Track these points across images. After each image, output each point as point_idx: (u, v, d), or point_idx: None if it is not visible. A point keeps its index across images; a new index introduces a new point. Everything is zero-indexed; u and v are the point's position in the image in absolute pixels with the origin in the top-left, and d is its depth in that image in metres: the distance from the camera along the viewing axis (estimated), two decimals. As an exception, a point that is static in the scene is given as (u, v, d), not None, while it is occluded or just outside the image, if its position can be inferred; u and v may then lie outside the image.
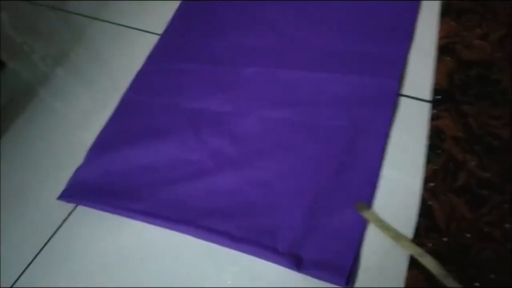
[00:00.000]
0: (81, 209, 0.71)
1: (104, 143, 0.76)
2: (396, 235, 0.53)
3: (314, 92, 0.74)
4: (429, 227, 0.54)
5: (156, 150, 0.73)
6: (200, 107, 0.78)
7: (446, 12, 0.77)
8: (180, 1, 0.97)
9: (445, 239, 0.53)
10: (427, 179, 0.58)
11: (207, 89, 0.81)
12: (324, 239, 0.58)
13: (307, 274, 0.56)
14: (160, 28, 0.94)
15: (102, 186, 0.70)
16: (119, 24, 0.99)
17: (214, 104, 0.78)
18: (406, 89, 0.72)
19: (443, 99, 0.66)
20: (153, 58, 0.89)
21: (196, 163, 0.70)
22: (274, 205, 0.62)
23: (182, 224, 0.63)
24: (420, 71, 0.73)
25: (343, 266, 0.54)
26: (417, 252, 0.51)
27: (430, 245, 0.53)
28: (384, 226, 0.54)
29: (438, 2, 0.80)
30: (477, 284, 0.49)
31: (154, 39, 0.92)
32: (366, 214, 0.55)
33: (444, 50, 0.72)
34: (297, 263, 0.56)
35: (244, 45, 0.85)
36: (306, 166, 0.65)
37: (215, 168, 0.69)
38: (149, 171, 0.71)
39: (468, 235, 0.53)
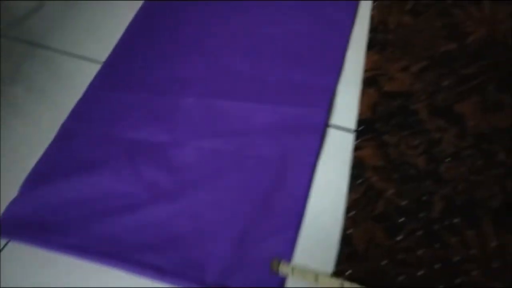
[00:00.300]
0: (14, 244, 0.68)
1: (39, 176, 0.74)
2: (314, 276, 0.54)
3: (247, 122, 0.76)
4: (349, 255, 0.56)
5: (91, 182, 0.72)
6: (138, 138, 0.78)
7: (371, 45, 0.81)
8: (124, 29, 0.98)
9: (363, 266, 0.55)
10: (348, 208, 0.61)
11: (145, 119, 0.81)
12: (251, 268, 0.59)
13: (234, 305, 0.56)
14: (104, 56, 0.94)
15: (34, 220, 0.68)
16: (62, 52, 0.97)
17: (152, 135, 0.78)
18: (334, 119, 0.75)
19: (366, 129, 0.69)
20: (94, 86, 0.88)
21: (131, 196, 0.70)
22: (204, 237, 0.63)
23: (112, 259, 0.62)
24: (347, 102, 0.76)
25: (269, 294, 0.55)
26: (338, 284, 0.52)
27: (350, 271, 0.55)
28: (301, 272, 0.56)
29: (365, 35, 0.85)
30: (391, 310, 0.51)
31: (98, 67, 0.92)
32: (281, 270, 0.57)
33: (369, 82, 0.76)
34: (224, 295, 0.56)
35: (183, 75, 0.87)
36: (235, 197, 0.67)
37: (149, 200, 0.69)
38: (82, 205, 0.70)
39: (385, 262, 0.55)
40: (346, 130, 0.73)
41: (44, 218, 0.69)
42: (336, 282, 0.53)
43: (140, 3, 1.00)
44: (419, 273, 0.54)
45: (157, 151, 0.75)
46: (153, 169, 0.73)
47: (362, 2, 0.90)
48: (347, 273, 0.55)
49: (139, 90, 0.85)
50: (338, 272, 0.55)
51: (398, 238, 0.57)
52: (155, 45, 0.94)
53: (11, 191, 0.74)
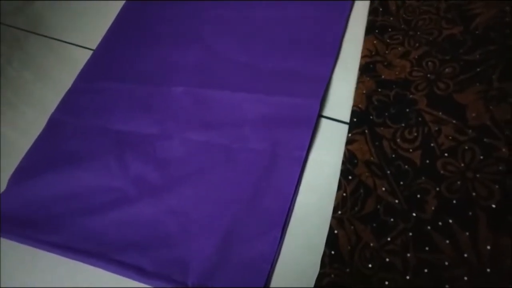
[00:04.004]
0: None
1: (25, 170, 0.73)
2: None
3: (237, 113, 0.72)
4: (333, 257, 0.52)
5: (77, 177, 0.70)
6: (126, 130, 0.75)
7: (370, 30, 0.75)
8: (115, 15, 0.94)
9: (347, 269, 0.51)
10: (336, 207, 0.57)
11: (134, 110, 0.78)
12: (235, 268, 0.56)
13: (215, 308, 0.53)
14: (95, 43, 0.91)
15: (19, 216, 0.67)
16: (53, 38, 0.95)
17: (140, 126, 0.75)
18: (328, 110, 0.70)
19: (359, 121, 0.64)
20: (83, 76, 0.85)
21: (117, 191, 0.67)
22: (188, 236, 0.61)
23: (94, 258, 0.61)
24: (343, 91, 0.71)
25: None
26: None
27: (333, 276, 0.51)
28: None
29: (365, 19, 0.78)
30: (374, 317, 0.48)
31: (89, 54, 0.89)
32: None
33: (365, 69, 0.70)
34: (207, 298, 0.54)
35: (174, 62, 0.82)
36: (223, 192, 0.63)
37: (135, 196, 0.66)
38: (67, 201, 0.68)
39: (370, 265, 0.51)
40: (341, 121, 0.68)
41: (28, 215, 0.68)
42: None
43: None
44: (406, 278, 0.50)
45: (144, 143, 0.73)
46: (140, 162, 0.70)
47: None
48: (330, 277, 0.51)
49: (128, 79, 0.82)
50: (320, 276, 0.52)
51: (387, 239, 0.53)
52: (146, 32, 0.90)
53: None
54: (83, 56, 0.87)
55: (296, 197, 0.61)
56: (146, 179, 0.67)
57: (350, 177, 0.58)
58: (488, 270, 0.48)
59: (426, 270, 0.49)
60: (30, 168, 0.72)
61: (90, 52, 0.87)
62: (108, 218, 0.64)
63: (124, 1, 0.93)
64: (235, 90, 0.74)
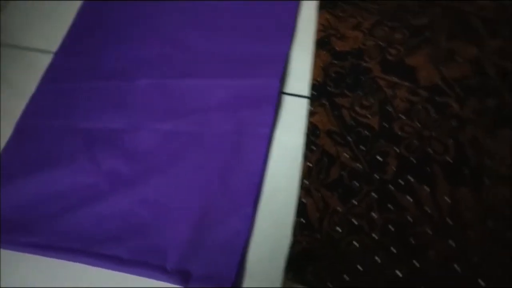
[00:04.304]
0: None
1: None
2: None
3: (202, 100, 0.72)
4: (303, 225, 0.54)
5: (50, 178, 0.69)
6: (95, 127, 0.74)
7: (322, 5, 0.76)
8: (74, 17, 0.92)
9: (318, 236, 0.53)
10: (302, 177, 0.58)
11: (101, 107, 0.77)
12: (210, 251, 0.57)
13: (195, 288, 0.54)
14: (56, 46, 0.89)
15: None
16: (13, 46, 0.92)
17: (108, 122, 0.74)
18: (289, 87, 0.71)
19: (319, 94, 0.65)
20: (46, 79, 0.84)
21: (90, 188, 0.67)
22: (164, 223, 0.61)
23: (74, 254, 0.60)
24: (301, 67, 0.72)
25: (228, 275, 0.54)
26: None
27: (304, 243, 0.52)
28: None
29: (317, -5, 0.79)
30: (346, 277, 0.49)
31: (50, 58, 0.87)
32: None
33: (320, 43, 0.71)
34: (185, 279, 0.55)
35: (137, 57, 0.82)
36: (194, 178, 0.64)
37: (109, 191, 0.66)
38: (43, 202, 0.67)
39: (339, 229, 0.53)
40: (302, 96, 0.69)
41: (6, 219, 0.67)
42: None
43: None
44: (373, 237, 0.51)
45: (113, 138, 0.72)
46: (111, 157, 0.69)
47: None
48: (301, 244, 0.52)
49: (92, 78, 0.81)
50: (293, 244, 0.53)
51: (353, 203, 0.54)
52: (107, 30, 0.88)
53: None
54: (46, 61, 0.85)
55: (264, 173, 0.62)
56: (118, 173, 0.67)
57: (313, 148, 0.59)
58: (449, 221, 0.50)
59: (391, 228, 0.51)
60: (2, 175, 0.71)
61: (52, 56, 0.85)
62: (84, 214, 0.64)
63: (82, 1, 0.91)
64: (198, 77, 0.75)
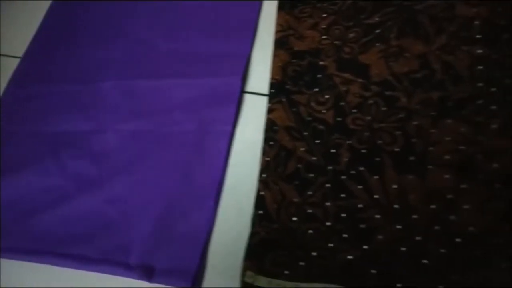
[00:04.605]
0: None
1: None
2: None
3: (165, 99, 0.73)
4: (262, 217, 0.55)
5: (19, 184, 0.70)
6: (61, 130, 0.75)
7: (282, 6, 0.78)
8: (41, 21, 0.92)
9: (275, 226, 0.54)
10: (261, 171, 0.60)
11: (66, 110, 0.78)
12: (173, 245, 0.58)
13: (157, 282, 0.55)
14: (23, 50, 0.89)
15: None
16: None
17: (74, 125, 0.75)
18: (250, 85, 0.73)
19: (277, 92, 0.67)
20: (13, 84, 0.84)
21: (58, 189, 0.67)
22: (128, 221, 0.62)
23: (39, 255, 0.61)
24: (262, 67, 0.74)
25: (190, 267, 0.55)
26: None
27: (263, 233, 0.54)
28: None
29: (277, -4, 0.81)
30: (301, 263, 0.51)
31: (16, 63, 0.87)
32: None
33: (279, 43, 0.73)
34: (148, 274, 0.56)
35: (102, 59, 0.83)
36: (158, 176, 0.65)
37: (76, 192, 0.67)
38: (11, 206, 0.67)
39: (295, 219, 0.55)
40: (262, 94, 0.71)
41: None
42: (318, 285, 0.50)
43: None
44: (326, 224, 0.54)
45: (79, 140, 0.73)
46: (77, 160, 0.70)
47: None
48: (260, 235, 0.54)
49: (57, 81, 0.81)
50: (252, 235, 0.55)
51: (308, 194, 0.56)
52: (71, 33, 0.89)
53: None
54: (14, 65, 0.85)
55: (226, 168, 0.63)
56: (84, 174, 0.68)
57: (272, 143, 0.61)
58: (396, 206, 0.53)
59: (343, 215, 0.53)
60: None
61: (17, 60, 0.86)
62: (51, 217, 0.65)
63: (50, 2, 0.92)
64: (162, 77, 0.76)
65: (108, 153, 0.70)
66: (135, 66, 0.80)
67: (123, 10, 0.89)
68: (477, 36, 0.64)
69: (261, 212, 0.56)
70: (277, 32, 0.75)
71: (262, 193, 0.57)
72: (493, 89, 0.58)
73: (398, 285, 0.48)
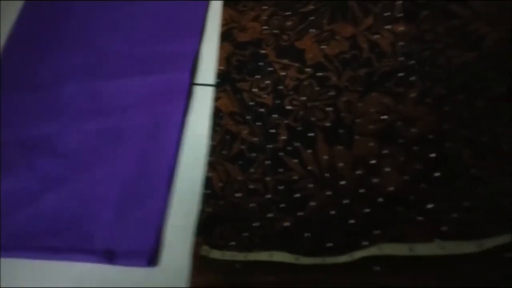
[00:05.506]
0: None
1: None
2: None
3: (122, 98, 0.76)
4: (209, 195, 0.59)
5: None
6: (29, 135, 0.77)
7: (226, 2, 0.81)
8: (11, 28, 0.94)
9: (221, 202, 0.58)
10: (208, 155, 0.63)
11: (34, 116, 0.80)
12: (131, 229, 0.62)
13: (118, 264, 0.59)
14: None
15: None
16: None
17: (41, 129, 0.78)
18: (200, 78, 0.76)
19: (222, 81, 0.70)
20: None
21: (28, 190, 0.70)
22: (91, 212, 0.65)
23: (9, 250, 0.63)
24: (209, 60, 0.77)
25: (145, 249, 0.58)
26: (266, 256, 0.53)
27: (210, 210, 0.57)
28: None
29: (222, -6, 0.84)
30: (245, 234, 0.55)
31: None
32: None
33: (224, 36, 0.76)
34: (109, 257, 0.59)
35: (65, 64, 0.86)
36: (116, 169, 0.68)
37: (44, 191, 0.70)
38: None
39: (239, 195, 0.58)
40: (210, 85, 0.74)
41: None
42: (264, 254, 0.53)
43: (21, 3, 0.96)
44: (266, 197, 0.57)
45: (48, 143, 0.76)
46: (45, 161, 0.73)
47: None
48: (207, 212, 0.57)
49: (22, 87, 0.84)
50: (200, 213, 0.58)
51: (250, 171, 0.60)
52: (37, 40, 0.91)
53: None
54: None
55: (178, 156, 0.66)
56: (51, 174, 0.71)
57: (217, 129, 0.64)
58: (326, 175, 0.56)
59: (281, 187, 0.57)
60: None
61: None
62: (23, 216, 0.67)
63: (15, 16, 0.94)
64: (118, 77, 0.79)
65: (72, 152, 0.73)
66: (95, 69, 0.83)
67: (86, 20, 0.91)
68: (399, 15, 0.67)
69: (208, 191, 0.59)
70: (222, 26, 0.78)
71: (209, 174, 0.61)
72: (412, 62, 0.62)
73: (329, 244, 0.51)
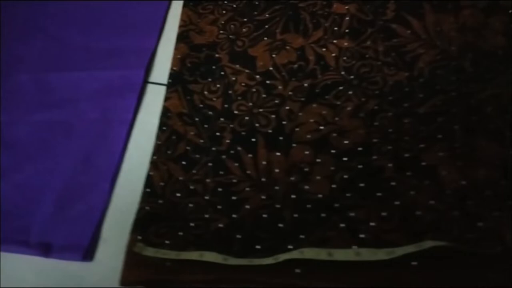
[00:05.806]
0: None
1: None
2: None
3: (74, 91, 0.76)
4: (148, 194, 0.60)
5: None
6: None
7: (186, 3, 0.82)
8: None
9: (160, 201, 0.59)
10: (153, 153, 0.64)
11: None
12: (69, 224, 0.62)
13: (54, 257, 0.59)
14: None
15: None
16: None
17: (-10, 118, 0.76)
18: (154, 77, 0.76)
19: (174, 81, 0.71)
20: None
21: None
22: (31, 204, 0.65)
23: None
24: (165, 60, 0.78)
25: (81, 243, 0.59)
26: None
27: (148, 208, 0.58)
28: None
29: (183, -5, 0.85)
30: (180, 233, 0.56)
31: None
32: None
33: (180, 37, 0.77)
34: (45, 251, 0.59)
35: (19, 54, 0.84)
36: (61, 163, 0.68)
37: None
38: None
39: (179, 194, 0.59)
40: (162, 84, 0.75)
41: None
42: (195, 254, 0.54)
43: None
44: (205, 198, 0.58)
45: (-5, 133, 0.74)
46: None
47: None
48: (145, 210, 0.58)
49: None
50: (138, 210, 0.59)
51: (192, 172, 0.61)
52: None
53: None
54: None
55: (124, 153, 0.67)
56: None
57: (164, 128, 0.65)
58: (263, 179, 0.58)
59: (220, 189, 0.59)
60: None
61: None
62: None
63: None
64: (72, 70, 0.79)
65: (19, 143, 0.73)
66: (50, 60, 0.82)
67: (41, 9, 0.90)
68: (346, 30, 0.70)
69: (148, 190, 0.60)
70: (180, 27, 0.79)
71: (151, 173, 0.62)
72: (352, 77, 0.65)
73: (257, 246, 0.53)
